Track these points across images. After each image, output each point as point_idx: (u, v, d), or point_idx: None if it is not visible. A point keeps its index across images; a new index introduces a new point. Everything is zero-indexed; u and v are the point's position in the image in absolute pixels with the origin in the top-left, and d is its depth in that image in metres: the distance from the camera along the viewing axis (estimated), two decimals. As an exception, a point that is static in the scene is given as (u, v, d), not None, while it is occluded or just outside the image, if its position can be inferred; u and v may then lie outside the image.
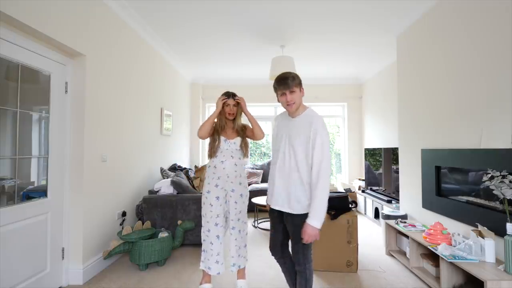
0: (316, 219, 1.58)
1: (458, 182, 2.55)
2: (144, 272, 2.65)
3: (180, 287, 2.39)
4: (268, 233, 3.86)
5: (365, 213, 4.72)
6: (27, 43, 2.01)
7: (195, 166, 5.04)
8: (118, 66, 2.99)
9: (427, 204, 2.89)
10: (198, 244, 3.30)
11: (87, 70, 2.47)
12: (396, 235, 3.10)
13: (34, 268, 2.12)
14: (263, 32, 3.65)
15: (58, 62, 2.32)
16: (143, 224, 2.99)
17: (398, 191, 3.69)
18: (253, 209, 4.24)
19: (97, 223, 2.66)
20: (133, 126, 3.35)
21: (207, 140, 2.42)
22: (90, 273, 2.52)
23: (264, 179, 5.69)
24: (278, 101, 1.80)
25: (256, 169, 5.80)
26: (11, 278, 1.92)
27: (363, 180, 5.36)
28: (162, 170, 3.81)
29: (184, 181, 3.49)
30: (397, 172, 3.82)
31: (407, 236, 2.76)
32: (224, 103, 2.26)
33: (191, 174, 4.38)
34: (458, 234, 2.27)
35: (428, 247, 2.31)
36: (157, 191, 3.37)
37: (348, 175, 6.09)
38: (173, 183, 3.33)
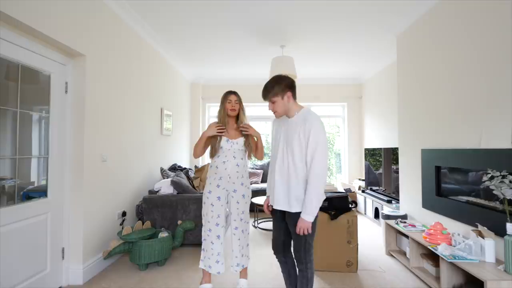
0: (308, 214, 1.64)
1: (458, 182, 2.55)
2: (144, 272, 2.65)
3: (180, 287, 2.39)
4: (268, 232, 3.86)
5: (365, 213, 4.72)
6: (27, 43, 2.01)
7: (195, 166, 5.04)
8: (118, 66, 2.99)
9: (427, 204, 2.89)
10: (198, 244, 3.30)
11: (87, 70, 2.47)
12: (396, 235, 3.10)
13: (34, 268, 2.12)
14: (263, 32, 3.65)
15: (58, 62, 2.32)
16: (143, 224, 2.99)
17: (398, 191, 3.69)
18: (253, 209, 4.24)
19: (97, 223, 2.66)
20: (133, 126, 3.35)
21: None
22: (90, 273, 2.52)
23: (264, 179, 5.69)
24: None
25: (256, 169, 5.80)
26: (11, 278, 1.92)
27: (363, 180, 5.36)
28: (162, 170, 3.81)
29: (184, 181, 3.49)
30: (397, 172, 3.82)
31: (407, 236, 2.76)
32: (226, 100, 2.23)
33: (191, 174, 4.38)
34: (458, 234, 2.27)
35: (428, 247, 2.31)
36: (157, 191, 3.37)
37: (348, 175, 6.09)
38: (173, 183, 3.33)
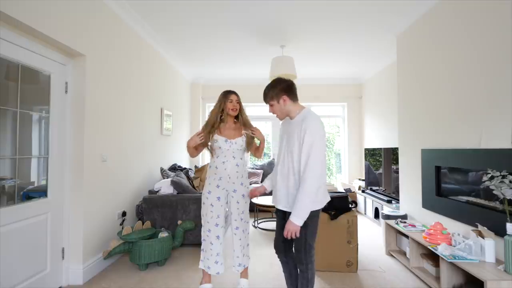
0: (297, 217, 1.61)
1: (458, 182, 2.55)
2: (144, 272, 2.65)
3: (180, 287, 2.39)
4: (268, 232, 3.87)
5: (365, 213, 4.72)
6: (27, 43, 2.01)
7: (195, 166, 5.04)
8: (118, 66, 2.99)
9: (427, 204, 2.89)
10: (198, 244, 3.30)
11: (87, 70, 2.47)
12: (396, 235, 3.10)
13: (34, 268, 2.12)
14: (263, 32, 3.65)
15: (58, 62, 2.32)
16: (143, 224, 2.99)
17: (398, 191, 3.69)
18: (253, 209, 4.24)
19: (97, 223, 2.66)
20: (133, 126, 3.35)
21: None
22: (90, 273, 2.52)
23: (264, 179, 5.68)
24: None
25: (256, 169, 5.80)
26: (11, 278, 1.92)
27: (363, 180, 5.36)
28: (162, 170, 3.81)
29: (184, 181, 3.49)
30: (397, 172, 3.82)
31: (407, 236, 2.76)
32: (226, 99, 2.21)
33: (191, 174, 4.38)
34: (458, 234, 2.27)
35: (428, 247, 2.31)
36: (157, 191, 3.37)
37: (348, 175, 6.09)
38: (173, 183, 3.33)
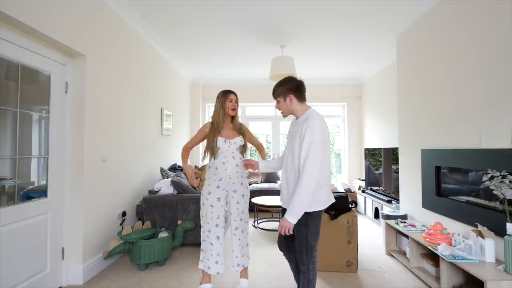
0: (291, 215, 1.63)
1: (458, 182, 2.55)
2: (144, 272, 2.65)
3: (180, 287, 2.39)
4: (268, 232, 3.87)
5: (365, 213, 4.72)
6: (27, 43, 2.01)
7: (195, 166, 5.04)
8: (118, 66, 2.99)
9: (427, 204, 2.89)
10: (198, 244, 3.29)
11: (87, 70, 2.47)
12: (396, 235, 3.10)
13: (34, 268, 2.12)
14: (263, 32, 3.65)
15: (58, 62, 2.32)
16: (143, 224, 2.99)
17: (398, 191, 3.69)
18: (253, 209, 4.24)
19: (97, 223, 2.66)
20: (133, 126, 3.35)
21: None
22: (90, 273, 2.52)
23: (264, 179, 5.69)
24: None
25: (256, 169, 5.79)
26: (11, 278, 1.92)
27: (363, 180, 5.36)
28: (162, 170, 3.81)
29: (184, 181, 3.49)
30: (397, 172, 3.82)
31: (407, 236, 2.76)
32: (226, 98, 2.22)
33: (191, 174, 4.38)
34: (458, 234, 2.27)
35: (428, 247, 2.31)
36: (157, 191, 3.37)
37: (348, 175, 6.09)
38: (173, 183, 3.33)
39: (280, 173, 5.94)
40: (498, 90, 2.10)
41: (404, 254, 2.93)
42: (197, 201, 3.21)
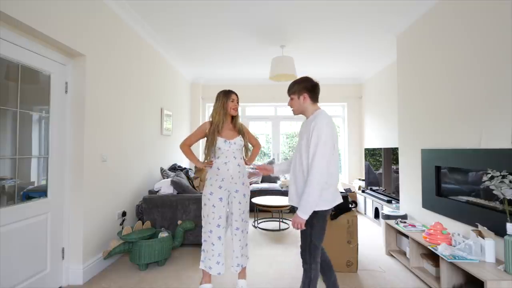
0: (302, 212, 1.67)
1: (458, 182, 2.55)
2: (144, 272, 2.65)
3: (180, 287, 2.39)
4: (268, 232, 3.87)
5: (365, 213, 4.72)
6: (27, 43, 2.01)
7: (195, 166, 5.03)
8: (118, 66, 2.99)
9: (427, 204, 2.89)
10: (198, 244, 3.30)
11: (87, 70, 2.47)
12: (396, 235, 3.10)
13: (34, 268, 2.12)
14: (263, 32, 3.65)
15: (58, 62, 2.32)
16: (143, 224, 2.99)
17: (398, 191, 3.69)
18: (253, 209, 4.24)
19: (97, 223, 2.66)
20: (133, 126, 3.35)
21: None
22: (90, 273, 2.52)
23: (264, 179, 5.69)
24: None
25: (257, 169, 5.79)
26: (11, 278, 1.92)
27: (363, 180, 5.36)
28: (162, 170, 3.81)
29: (184, 181, 3.49)
30: (397, 172, 3.82)
31: (407, 236, 2.76)
32: (228, 98, 2.22)
33: (191, 174, 4.38)
34: (458, 234, 2.27)
35: (428, 247, 2.31)
36: (157, 191, 3.37)
37: (348, 175, 6.09)
38: (173, 183, 3.33)
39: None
40: (498, 90, 2.10)
41: (404, 254, 2.93)
42: (197, 201, 3.21)
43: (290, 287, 2.40)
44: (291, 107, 1.90)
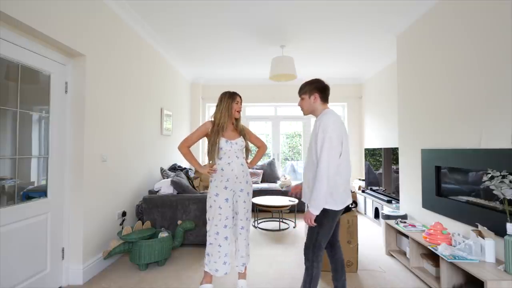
0: (312, 207, 1.72)
1: (458, 182, 2.55)
2: (144, 272, 2.65)
3: (180, 287, 2.39)
4: (268, 232, 3.87)
5: (365, 213, 4.72)
6: (27, 43, 2.01)
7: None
8: (118, 66, 2.99)
9: (427, 204, 2.89)
10: (198, 244, 3.30)
11: (87, 70, 2.47)
12: (396, 235, 3.10)
13: (34, 268, 2.12)
14: (263, 32, 3.65)
15: (58, 62, 2.32)
16: (143, 224, 2.99)
17: (398, 191, 3.69)
18: (253, 209, 4.24)
19: (97, 223, 2.66)
20: (133, 126, 3.35)
21: (206, 141, 2.41)
22: (90, 273, 2.52)
23: (264, 179, 5.70)
24: None
25: (256, 169, 5.80)
26: (11, 278, 1.92)
27: (363, 180, 5.36)
28: (162, 170, 3.81)
29: (184, 181, 3.49)
30: (397, 172, 3.82)
31: (407, 236, 2.76)
32: (233, 100, 2.24)
33: (191, 174, 4.38)
34: (458, 234, 2.27)
35: (428, 247, 2.31)
36: (157, 191, 3.37)
37: (348, 175, 6.08)
38: (173, 183, 3.33)
39: (279, 174, 5.94)
40: (498, 90, 2.10)
41: (404, 254, 2.93)
42: (197, 201, 3.21)
43: (290, 287, 2.40)
44: (301, 107, 1.97)
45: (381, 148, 4.57)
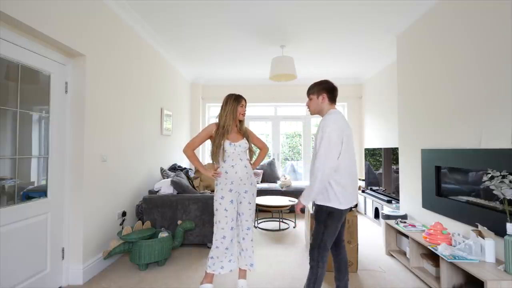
0: (303, 197, 1.82)
1: (458, 182, 2.55)
2: (144, 272, 2.65)
3: (180, 287, 2.39)
4: (268, 232, 3.87)
5: (365, 213, 4.72)
6: (27, 43, 2.01)
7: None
8: (118, 66, 2.99)
9: (427, 204, 2.89)
10: (198, 244, 3.30)
11: (87, 70, 2.47)
12: (396, 235, 3.10)
13: (34, 268, 2.12)
14: (263, 32, 3.65)
15: (58, 62, 2.32)
16: (143, 224, 2.99)
17: (398, 191, 3.69)
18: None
19: (97, 223, 2.66)
20: (133, 126, 3.35)
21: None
22: (90, 273, 2.52)
23: (264, 179, 5.70)
24: None
25: (257, 169, 5.80)
26: (11, 278, 1.92)
27: (363, 180, 5.36)
28: (162, 170, 3.81)
29: (184, 181, 3.49)
30: (397, 172, 3.82)
31: (407, 236, 2.76)
32: (238, 103, 2.26)
33: (191, 174, 4.38)
34: (458, 234, 2.27)
35: (428, 247, 2.31)
36: (157, 191, 3.37)
37: (348, 175, 6.08)
38: (173, 183, 3.33)
39: (279, 174, 5.94)
40: (498, 90, 2.10)
41: (404, 254, 2.93)
42: (197, 201, 3.21)
43: (290, 287, 2.40)
44: (309, 107, 2.01)
45: (381, 148, 4.57)
